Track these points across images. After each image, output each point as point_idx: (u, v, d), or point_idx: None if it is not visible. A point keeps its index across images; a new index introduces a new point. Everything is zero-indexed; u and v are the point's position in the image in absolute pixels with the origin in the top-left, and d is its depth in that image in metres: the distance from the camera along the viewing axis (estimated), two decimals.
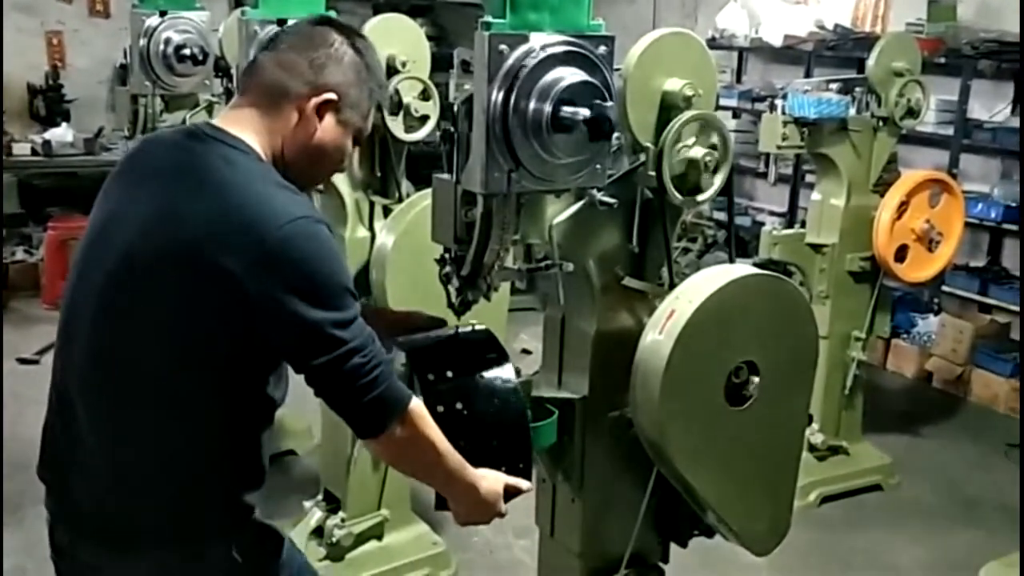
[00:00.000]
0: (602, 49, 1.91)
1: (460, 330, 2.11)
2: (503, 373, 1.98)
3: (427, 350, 2.02)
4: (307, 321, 1.61)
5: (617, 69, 2.04)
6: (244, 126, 1.75)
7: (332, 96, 1.77)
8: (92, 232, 1.78)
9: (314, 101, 1.76)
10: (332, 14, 3.30)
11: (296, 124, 1.77)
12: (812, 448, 4.32)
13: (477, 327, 2.11)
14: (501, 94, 1.81)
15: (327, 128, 1.79)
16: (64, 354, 1.79)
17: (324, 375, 1.66)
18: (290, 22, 3.08)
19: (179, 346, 1.66)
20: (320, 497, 3.60)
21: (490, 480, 1.87)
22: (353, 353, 1.63)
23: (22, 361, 5.46)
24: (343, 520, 3.47)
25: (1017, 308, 5.64)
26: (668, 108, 2.14)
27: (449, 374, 1.93)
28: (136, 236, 1.66)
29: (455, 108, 1.91)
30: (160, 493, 1.72)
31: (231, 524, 1.79)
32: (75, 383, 1.75)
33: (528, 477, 1.97)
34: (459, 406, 1.89)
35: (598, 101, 1.83)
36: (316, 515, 3.53)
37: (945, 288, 5.94)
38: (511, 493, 1.91)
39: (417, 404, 1.75)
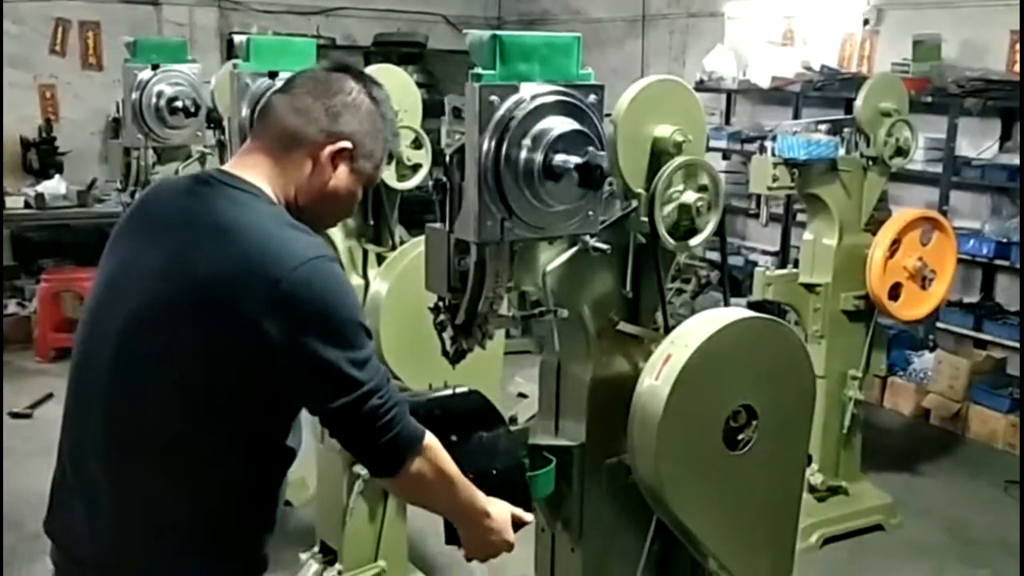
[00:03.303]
0: (592, 98, 1.92)
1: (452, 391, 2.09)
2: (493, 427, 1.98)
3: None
4: (324, 360, 1.59)
5: (607, 115, 2.06)
6: (256, 171, 1.74)
7: (347, 145, 1.75)
8: (102, 287, 1.75)
9: (329, 149, 1.74)
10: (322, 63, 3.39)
11: (310, 171, 1.75)
12: (812, 489, 4.28)
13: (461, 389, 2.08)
14: (493, 144, 1.83)
15: (341, 176, 1.77)
16: (77, 412, 1.74)
17: (341, 418, 1.64)
18: (281, 75, 3.12)
19: (200, 396, 1.63)
20: (316, 549, 3.55)
21: (498, 507, 1.86)
22: (370, 395, 1.62)
23: (14, 415, 5.40)
24: (340, 572, 3.42)
25: (1012, 343, 5.64)
26: (659, 154, 2.16)
27: (454, 438, 1.89)
28: (150, 287, 1.64)
29: (447, 158, 1.92)
30: (173, 545, 1.69)
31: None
32: (90, 440, 1.70)
33: (529, 509, 1.95)
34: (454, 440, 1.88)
35: (589, 149, 1.83)
36: (312, 567, 3.49)
37: (940, 325, 5.93)
38: (516, 524, 1.89)
39: (431, 439, 1.73)
